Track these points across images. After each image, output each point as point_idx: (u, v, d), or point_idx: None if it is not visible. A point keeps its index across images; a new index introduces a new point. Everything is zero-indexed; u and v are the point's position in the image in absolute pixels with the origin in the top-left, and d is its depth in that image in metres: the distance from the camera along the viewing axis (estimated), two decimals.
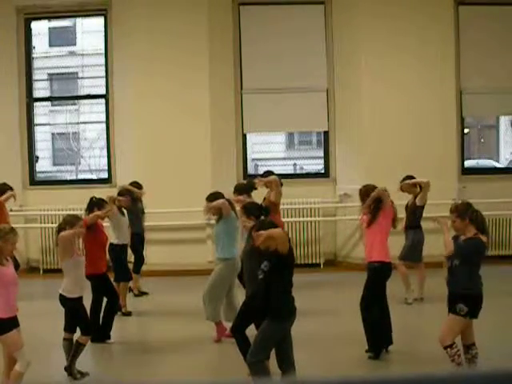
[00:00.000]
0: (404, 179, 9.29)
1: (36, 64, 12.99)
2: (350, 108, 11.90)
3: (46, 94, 15.64)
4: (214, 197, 7.59)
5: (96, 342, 7.37)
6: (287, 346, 5.63)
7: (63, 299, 6.50)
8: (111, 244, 8.66)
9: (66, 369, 6.48)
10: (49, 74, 17.50)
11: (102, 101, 12.52)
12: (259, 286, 5.53)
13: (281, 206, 9.96)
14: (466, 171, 12.37)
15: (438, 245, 7.32)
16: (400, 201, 9.67)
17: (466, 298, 5.70)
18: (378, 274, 6.86)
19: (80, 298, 6.51)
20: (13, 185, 10.34)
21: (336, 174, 12.26)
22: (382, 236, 6.95)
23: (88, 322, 6.63)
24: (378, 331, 6.82)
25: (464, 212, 5.92)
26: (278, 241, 5.34)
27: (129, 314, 8.77)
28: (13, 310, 5.60)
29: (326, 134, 12.48)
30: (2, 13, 11.88)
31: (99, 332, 7.48)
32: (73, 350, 6.48)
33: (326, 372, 6.36)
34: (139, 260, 9.82)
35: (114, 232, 8.81)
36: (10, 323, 5.56)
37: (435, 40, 11.52)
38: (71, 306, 6.49)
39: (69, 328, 6.59)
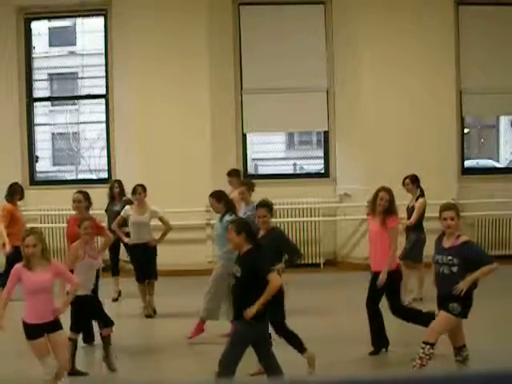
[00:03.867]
0: (406, 178, 9.31)
1: (36, 64, 12.99)
2: (349, 108, 11.90)
3: (46, 94, 15.65)
4: (218, 194, 7.68)
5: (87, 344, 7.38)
6: (267, 348, 5.67)
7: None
8: (126, 244, 8.75)
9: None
10: (49, 74, 17.50)
11: (102, 101, 12.52)
12: (232, 288, 5.59)
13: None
14: (466, 171, 12.37)
15: None
16: (403, 201, 9.71)
17: (460, 297, 5.70)
18: (397, 275, 7.00)
19: (80, 296, 6.48)
20: None
21: (336, 173, 12.26)
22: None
23: (76, 321, 6.63)
24: (383, 329, 6.96)
25: (459, 212, 5.98)
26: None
27: (150, 315, 8.75)
28: (41, 317, 5.57)
29: (326, 133, 12.48)
30: (2, 13, 11.88)
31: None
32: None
33: (326, 372, 6.36)
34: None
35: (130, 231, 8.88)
36: (37, 330, 5.56)
37: (435, 40, 11.52)
38: (80, 303, 6.53)
39: (75, 328, 6.60)
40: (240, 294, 5.58)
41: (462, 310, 5.72)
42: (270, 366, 5.70)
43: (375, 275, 6.93)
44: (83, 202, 7.62)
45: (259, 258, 5.62)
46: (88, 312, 6.68)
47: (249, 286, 5.50)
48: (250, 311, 5.44)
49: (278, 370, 5.66)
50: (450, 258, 5.75)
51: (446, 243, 5.85)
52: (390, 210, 6.98)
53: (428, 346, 5.75)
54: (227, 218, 7.50)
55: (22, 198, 9.79)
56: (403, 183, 9.31)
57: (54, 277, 5.62)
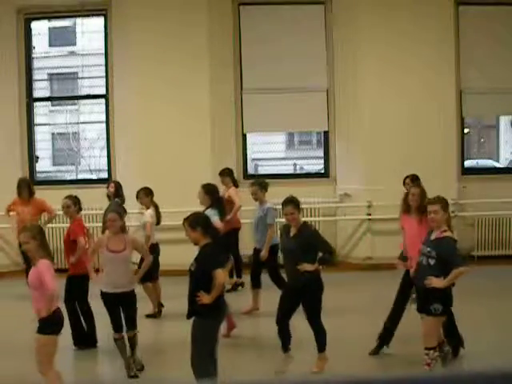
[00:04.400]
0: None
1: (36, 64, 12.98)
2: (350, 108, 11.90)
3: (46, 94, 15.64)
4: (208, 187, 7.93)
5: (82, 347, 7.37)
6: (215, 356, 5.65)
7: (100, 292, 6.60)
8: None
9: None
10: (49, 74, 17.50)
11: (102, 101, 12.53)
12: (189, 285, 5.57)
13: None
14: (466, 171, 12.37)
15: None
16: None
17: (440, 296, 5.66)
18: None
19: (111, 295, 6.51)
20: (13, 185, 10.35)
21: (336, 173, 12.26)
22: None
23: (112, 320, 6.62)
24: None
25: (447, 205, 5.94)
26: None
27: (149, 315, 8.72)
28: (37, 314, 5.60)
29: (325, 133, 12.49)
30: (2, 13, 11.88)
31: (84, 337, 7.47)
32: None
33: (326, 372, 6.37)
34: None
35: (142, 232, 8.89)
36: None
37: (435, 40, 11.52)
38: (103, 299, 6.55)
39: (115, 327, 6.61)
40: (194, 289, 5.49)
41: (443, 308, 5.70)
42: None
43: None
44: (72, 207, 7.65)
45: (210, 254, 5.59)
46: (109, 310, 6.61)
47: (202, 281, 5.43)
48: (206, 297, 5.38)
49: (214, 367, 5.64)
50: (429, 249, 5.77)
51: (432, 235, 5.88)
52: (424, 207, 6.93)
53: (431, 351, 5.75)
54: (208, 212, 7.58)
55: (30, 193, 9.97)
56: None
57: (36, 275, 5.50)
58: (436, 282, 5.61)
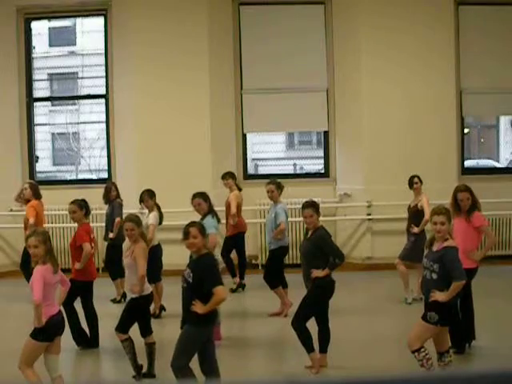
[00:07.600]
0: (414, 177, 9.33)
1: (36, 64, 12.99)
2: (350, 108, 11.90)
3: (46, 94, 15.64)
4: (204, 194, 7.82)
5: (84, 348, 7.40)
6: (210, 349, 5.61)
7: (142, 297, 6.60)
8: None
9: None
10: (49, 74, 17.50)
11: (102, 101, 12.53)
12: (183, 293, 5.49)
13: None
14: (466, 171, 12.36)
15: None
16: (403, 201, 9.70)
17: (439, 307, 5.58)
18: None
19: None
20: (13, 185, 10.34)
21: (336, 173, 12.27)
22: None
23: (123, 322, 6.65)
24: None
25: (450, 217, 5.84)
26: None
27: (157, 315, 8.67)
28: None
29: (325, 133, 12.49)
30: (2, 13, 11.88)
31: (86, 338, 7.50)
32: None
33: (326, 372, 6.37)
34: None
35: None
36: None
37: (435, 40, 11.53)
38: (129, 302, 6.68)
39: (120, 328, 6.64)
40: (190, 300, 5.34)
41: (439, 318, 5.59)
42: (208, 365, 5.60)
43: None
44: (78, 211, 7.56)
45: (210, 266, 5.39)
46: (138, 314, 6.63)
47: (199, 292, 5.30)
48: (200, 307, 5.28)
49: (216, 371, 5.60)
50: (431, 263, 5.64)
51: (435, 247, 5.75)
52: (472, 207, 6.83)
53: (416, 353, 5.70)
54: (209, 219, 7.52)
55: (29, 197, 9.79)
56: (413, 182, 9.33)
57: (31, 281, 5.48)
58: (438, 296, 5.57)
